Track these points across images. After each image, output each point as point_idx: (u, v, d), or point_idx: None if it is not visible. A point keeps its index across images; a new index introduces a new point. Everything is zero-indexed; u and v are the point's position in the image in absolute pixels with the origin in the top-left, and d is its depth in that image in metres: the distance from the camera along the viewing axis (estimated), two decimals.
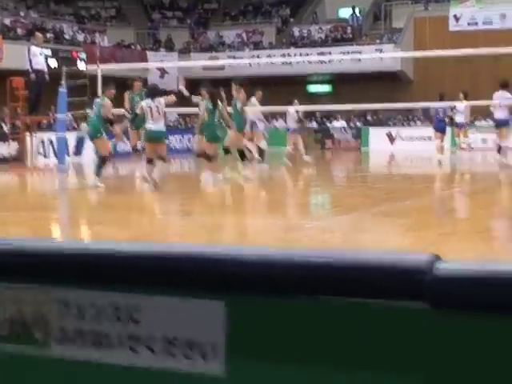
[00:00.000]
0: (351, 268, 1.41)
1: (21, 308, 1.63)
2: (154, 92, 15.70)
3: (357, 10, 41.88)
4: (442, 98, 23.39)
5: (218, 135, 16.14)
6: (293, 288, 1.45)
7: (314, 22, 42.25)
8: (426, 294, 1.35)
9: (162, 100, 15.36)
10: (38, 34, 22.76)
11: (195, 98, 17.74)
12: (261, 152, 21.32)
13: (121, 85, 17.30)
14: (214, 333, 1.50)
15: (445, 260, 1.40)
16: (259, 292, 1.47)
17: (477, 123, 31.87)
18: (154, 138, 15.13)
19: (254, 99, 21.83)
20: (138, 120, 16.46)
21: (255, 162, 17.65)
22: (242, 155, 17.39)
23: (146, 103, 15.26)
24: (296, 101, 23.64)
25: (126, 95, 17.36)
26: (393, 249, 7.79)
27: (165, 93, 16.72)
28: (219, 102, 16.17)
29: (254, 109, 21.55)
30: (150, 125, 15.12)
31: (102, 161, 15.91)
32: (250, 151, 17.18)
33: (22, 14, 36.70)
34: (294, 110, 23.35)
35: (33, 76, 20.88)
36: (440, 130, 23.78)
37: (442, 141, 23.85)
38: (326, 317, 1.44)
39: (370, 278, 1.39)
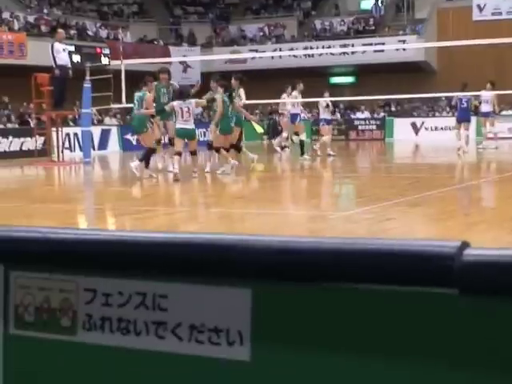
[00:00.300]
0: (379, 255, 1.41)
1: (48, 296, 1.64)
2: (185, 93, 16.38)
3: (379, 1, 41.71)
4: (464, 88, 23.22)
5: (232, 127, 16.74)
6: (319, 275, 1.45)
7: (335, 15, 42.15)
8: (455, 280, 1.35)
9: (193, 102, 16.20)
10: (60, 31, 22.88)
11: (207, 96, 17.80)
12: (302, 144, 21.56)
13: (143, 79, 17.38)
14: (240, 320, 1.50)
15: (474, 247, 1.39)
16: (285, 279, 1.47)
17: (503, 113, 31.71)
18: (186, 135, 16.07)
19: (295, 92, 21.95)
20: (165, 114, 16.78)
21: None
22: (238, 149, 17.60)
23: (178, 103, 16.02)
24: (327, 93, 23.45)
25: (153, 85, 17.42)
26: (418, 238, 7.76)
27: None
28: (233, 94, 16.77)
29: (295, 101, 21.73)
30: (181, 124, 15.96)
31: (149, 152, 16.50)
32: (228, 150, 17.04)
33: (45, 11, 36.90)
34: (325, 101, 23.17)
35: (57, 72, 21.00)
36: (464, 119, 23.59)
37: (466, 129, 23.66)
38: (354, 304, 1.44)
39: (399, 264, 1.39)
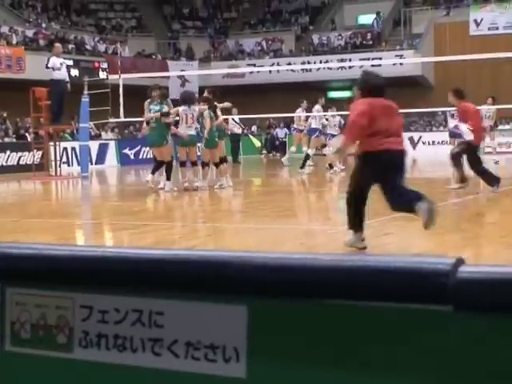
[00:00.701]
0: (375, 272, 1.41)
1: (44, 312, 1.64)
2: (188, 100, 16.39)
3: (379, 16, 41.79)
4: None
5: (216, 141, 16.69)
6: (315, 292, 1.45)
7: (333, 29, 42.25)
8: (449, 296, 1.35)
9: (196, 108, 16.30)
10: (57, 45, 22.92)
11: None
12: (306, 158, 21.65)
13: (143, 94, 17.35)
14: (236, 337, 1.50)
15: (468, 264, 1.39)
16: (281, 296, 1.47)
17: (500, 127, 31.75)
18: (188, 141, 16.10)
19: (317, 106, 21.94)
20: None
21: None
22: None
23: (183, 109, 16.10)
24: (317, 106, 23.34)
25: (145, 105, 17.22)
26: (416, 253, 7.76)
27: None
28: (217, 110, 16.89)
29: (317, 115, 21.76)
30: (184, 130, 16.01)
31: (169, 165, 16.50)
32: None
33: (43, 25, 36.96)
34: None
35: (54, 86, 21.01)
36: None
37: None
38: (349, 321, 1.44)
39: (394, 281, 1.39)
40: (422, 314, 1.39)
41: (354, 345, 1.43)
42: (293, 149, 24.64)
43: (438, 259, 1.40)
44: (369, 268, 1.42)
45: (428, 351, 1.39)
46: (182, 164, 16.54)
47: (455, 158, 14.62)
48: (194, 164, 16.38)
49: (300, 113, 23.64)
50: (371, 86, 8.26)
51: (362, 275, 1.41)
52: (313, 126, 22.32)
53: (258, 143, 21.67)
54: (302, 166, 21.65)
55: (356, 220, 8.22)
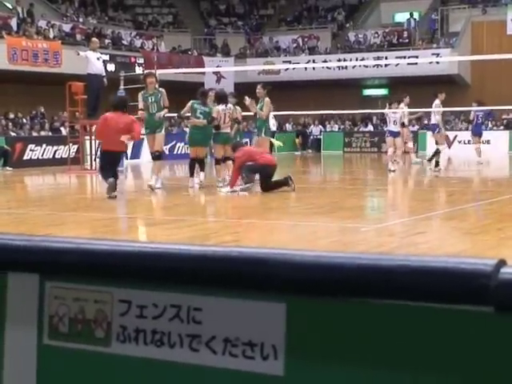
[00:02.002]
0: (414, 272, 1.40)
1: (82, 307, 1.64)
2: (223, 98, 16.48)
3: (415, 15, 41.59)
4: (479, 104, 23.43)
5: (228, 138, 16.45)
6: (353, 292, 1.44)
7: (369, 27, 42.12)
8: (490, 298, 1.34)
9: (231, 106, 16.36)
10: (94, 39, 23.09)
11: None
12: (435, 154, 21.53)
13: (178, 89, 17.40)
14: (274, 334, 1.50)
15: (510, 265, 1.38)
16: (320, 295, 1.46)
17: None
18: (226, 140, 16.12)
19: (437, 101, 21.77)
20: (154, 126, 16.40)
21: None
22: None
23: (222, 109, 16.12)
24: (402, 103, 22.54)
25: (139, 96, 16.83)
26: (451, 253, 7.72)
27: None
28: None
29: (437, 110, 21.76)
30: (223, 129, 16.06)
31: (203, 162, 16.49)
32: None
33: (80, 20, 37.23)
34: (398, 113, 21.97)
35: (90, 81, 21.16)
36: (478, 133, 24.73)
37: (479, 143, 25.29)
38: (388, 320, 1.43)
39: (434, 282, 1.38)
40: (463, 315, 1.38)
41: (393, 345, 1.43)
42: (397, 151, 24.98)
43: (480, 260, 1.39)
44: (409, 267, 1.41)
45: (469, 352, 1.38)
46: (218, 162, 16.48)
47: None
48: (227, 159, 16.20)
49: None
50: None
51: (401, 275, 1.41)
52: (432, 121, 22.07)
53: (278, 143, 20.93)
54: (436, 165, 21.44)
55: None
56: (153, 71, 17.30)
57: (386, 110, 22.01)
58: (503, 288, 1.34)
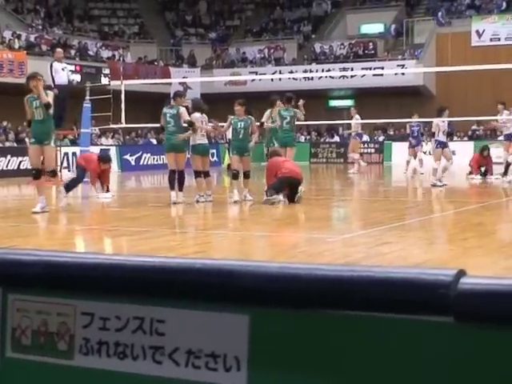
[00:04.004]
0: (375, 283, 1.41)
1: (45, 319, 1.64)
2: (197, 107, 16.00)
3: (380, 26, 41.90)
4: (440, 114, 22.47)
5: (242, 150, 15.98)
6: (316, 303, 1.45)
7: (335, 38, 42.32)
8: (450, 308, 1.35)
9: (205, 116, 15.95)
10: (58, 50, 22.96)
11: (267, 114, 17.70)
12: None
13: (144, 100, 17.32)
14: (237, 346, 1.50)
15: (469, 275, 1.40)
16: (283, 306, 1.47)
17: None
18: (204, 150, 15.64)
19: (506, 111, 21.48)
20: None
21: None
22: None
23: (200, 116, 15.65)
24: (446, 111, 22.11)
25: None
26: (416, 263, 7.77)
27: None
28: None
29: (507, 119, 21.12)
30: (200, 140, 15.55)
31: (183, 175, 15.66)
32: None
33: (46, 30, 37.04)
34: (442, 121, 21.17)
35: (55, 91, 21.04)
36: (416, 145, 25.68)
37: (415, 156, 25.58)
38: (351, 331, 1.44)
39: (396, 293, 1.40)
40: (424, 324, 1.39)
41: (355, 355, 1.44)
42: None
43: (440, 270, 1.41)
44: (370, 278, 1.42)
45: (429, 362, 1.39)
46: (198, 174, 15.66)
47: None
48: (206, 175, 15.63)
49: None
50: None
51: (363, 286, 1.42)
52: (505, 132, 21.65)
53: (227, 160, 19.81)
54: (505, 173, 21.04)
55: None
56: (37, 73, 14.83)
57: (435, 119, 20.61)
58: (463, 298, 1.35)
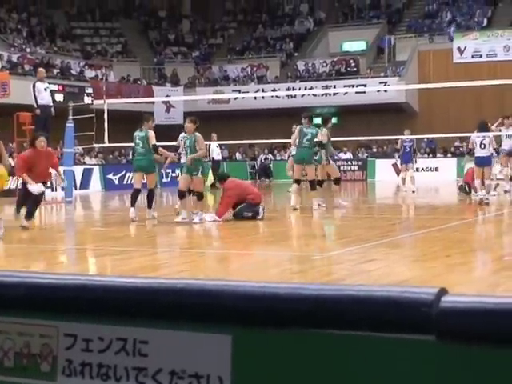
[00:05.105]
0: (357, 302, 1.42)
1: (28, 341, 1.63)
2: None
3: (362, 44, 42.14)
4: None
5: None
6: (299, 322, 1.45)
7: (318, 56, 42.50)
8: (432, 326, 1.36)
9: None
10: (41, 70, 22.96)
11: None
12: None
13: (127, 119, 17.32)
14: (220, 366, 1.50)
15: (451, 293, 1.40)
16: (266, 326, 1.47)
17: None
18: (192, 170, 15.17)
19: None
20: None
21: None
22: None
23: (182, 136, 15.63)
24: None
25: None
26: (399, 280, 7.78)
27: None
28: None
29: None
30: (184, 159, 15.50)
31: (152, 193, 16.04)
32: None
33: (28, 50, 37.00)
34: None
35: (38, 111, 21.04)
36: (406, 162, 24.96)
37: (408, 170, 25.04)
38: (333, 350, 1.44)
39: (377, 311, 1.40)
40: (405, 343, 1.39)
41: (338, 374, 1.44)
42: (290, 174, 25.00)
43: (421, 289, 1.41)
44: (352, 297, 1.42)
45: (411, 381, 1.39)
46: (182, 194, 15.41)
47: None
48: (197, 194, 15.31)
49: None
50: None
51: (345, 305, 1.42)
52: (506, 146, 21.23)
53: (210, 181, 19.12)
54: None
55: None
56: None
57: (473, 134, 19.33)
58: (444, 316, 1.36)
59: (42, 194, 14.73)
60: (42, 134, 15.47)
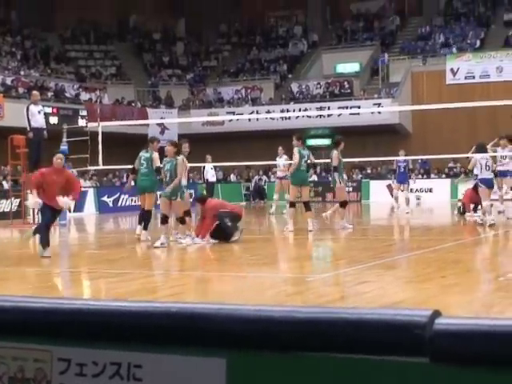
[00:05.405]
0: (352, 325, 1.42)
1: (22, 365, 1.63)
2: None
3: (356, 66, 42.32)
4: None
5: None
6: (293, 345, 1.45)
7: (311, 78, 42.64)
8: (426, 349, 1.36)
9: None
10: (35, 92, 22.98)
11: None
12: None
13: (121, 141, 17.33)
14: None
15: (444, 316, 1.40)
16: (260, 349, 1.47)
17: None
18: (171, 194, 15.09)
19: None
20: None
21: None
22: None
23: (164, 160, 15.52)
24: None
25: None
26: (394, 301, 7.77)
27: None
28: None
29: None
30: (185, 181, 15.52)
31: (149, 215, 16.09)
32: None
33: (22, 73, 37.06)
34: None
35: (31, 134, 21.05)
36: (402, 182, 24.93)
37: (401, 191, 24.98)
38: (328, 373, 1.44)
39: (371, 334, 1.40)
40: (398, 366, 1.39)
41: None
42: (275, 196, 24.68)
43: (414, 311, 1.41)
44: (346, 320, 1.43)
45: None
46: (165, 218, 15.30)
47: None
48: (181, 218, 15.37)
49: (280, 160, 23.76)
50: None
51: (339, 328, 1.42)
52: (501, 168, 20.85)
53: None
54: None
55: None
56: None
57: (476, 155, 18.91)
58: (438, 338, 1.36)
59: (54, 217, 13.78)
60: (59, 151, 15.16)
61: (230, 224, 15.39)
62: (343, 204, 18.80)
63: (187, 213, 15.61)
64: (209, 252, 14.58)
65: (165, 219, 15.12)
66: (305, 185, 18.12)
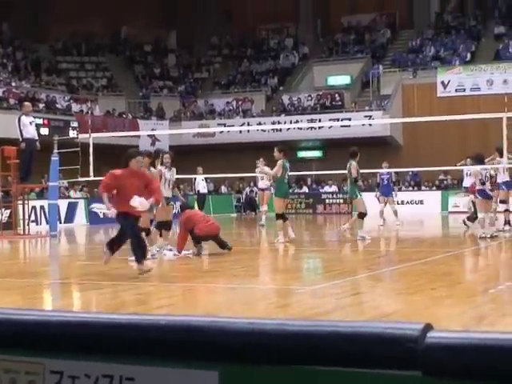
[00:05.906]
0: (343, 338, 1.42)
1: (14, 378, 1.62)
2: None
3: (347, 78, 42.44)
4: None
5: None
6: (285, 358, 1.45)
7: (303, 90, 42.72)
8: (417, 362, 1.36)
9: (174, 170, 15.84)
10: (26, 104, 22.98)
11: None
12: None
13: (112, 153, 17.31)
14: None
15: (436, 329, 1.41)
16: (252, 362, 1.47)
17: None
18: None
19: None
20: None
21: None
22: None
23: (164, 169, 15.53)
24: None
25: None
26: (385, 313, 7.77)
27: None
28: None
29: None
30: (168, 193, 15.47)
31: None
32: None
33: (13, 84, 37.03)
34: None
35: (23, 145, 21.04)
36: (386, 194, 24.90)
37: (385, 205, 24.90)
38: None
39: (362, 347, 1.40)
40: (391, 379, 1.39)
41: None
42: (263, 208, 24.66)
43: (406, 325, 1.42)
44: (337, 334, 1.43)
45: None
46: (162, 229, 15.41)
47: None
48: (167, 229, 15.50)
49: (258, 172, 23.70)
50: None
51: (330, 341, 1.42)
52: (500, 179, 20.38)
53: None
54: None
55: None
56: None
57: (476, 167, 18.78)
58: (430, 352, 1.36)
59: (132, 223, 12.06)
60: (139, 152, 13.87)
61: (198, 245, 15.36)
62: (361, 215, 18.70)
63: (167, 224, 15.53)
64: (200, 263, 14.56)
65: (147, 231, 15.02)
66: (287, 198, 18.11)
